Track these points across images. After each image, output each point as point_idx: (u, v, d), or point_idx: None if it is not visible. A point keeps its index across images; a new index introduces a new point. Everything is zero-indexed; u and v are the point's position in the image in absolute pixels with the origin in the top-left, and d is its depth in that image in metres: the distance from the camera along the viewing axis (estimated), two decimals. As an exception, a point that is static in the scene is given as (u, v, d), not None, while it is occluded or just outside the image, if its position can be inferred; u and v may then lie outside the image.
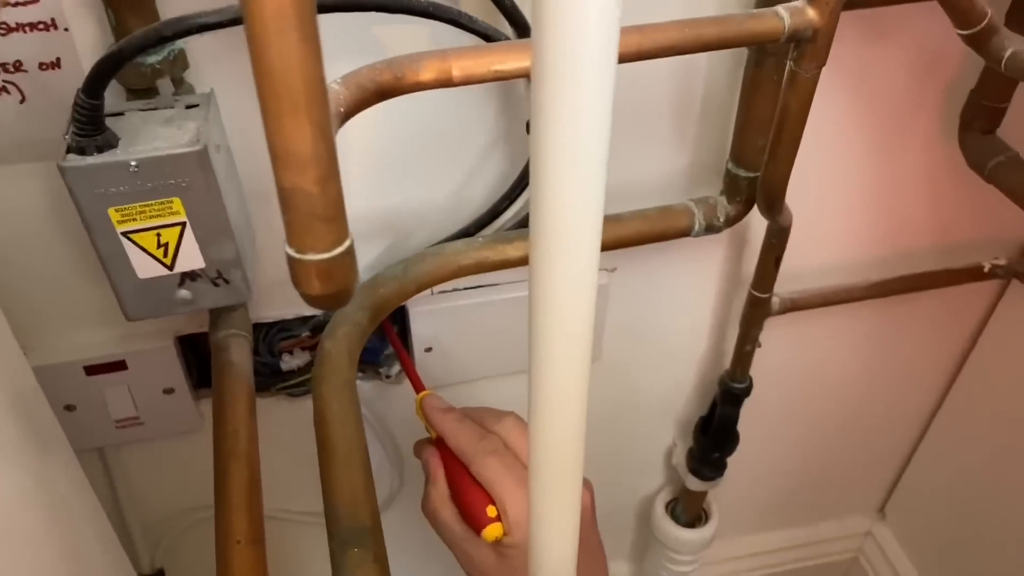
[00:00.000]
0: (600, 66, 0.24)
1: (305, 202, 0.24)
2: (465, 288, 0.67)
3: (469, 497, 0.52)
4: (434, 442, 0.57)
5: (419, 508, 0.58)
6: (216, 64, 0.51)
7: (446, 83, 0.41)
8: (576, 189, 0.28)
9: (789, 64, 0.48)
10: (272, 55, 0.22)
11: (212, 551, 0.78)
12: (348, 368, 0.50)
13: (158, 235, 0.46)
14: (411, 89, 0.40)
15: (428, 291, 0.66)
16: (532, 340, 0.33)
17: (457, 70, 0.40)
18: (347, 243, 0.26)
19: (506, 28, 0.50)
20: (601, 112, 0.25)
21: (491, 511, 0.51)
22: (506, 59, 0.41)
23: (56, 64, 0.48)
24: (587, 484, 0.54)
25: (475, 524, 0.52)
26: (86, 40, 0.48)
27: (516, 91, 0.57)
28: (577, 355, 0.33)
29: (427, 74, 0.40)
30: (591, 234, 0.29)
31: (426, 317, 0.67)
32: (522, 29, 0.49)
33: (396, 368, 0.70)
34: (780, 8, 0.46)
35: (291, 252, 0.26)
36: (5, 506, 0.37)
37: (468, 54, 0.41)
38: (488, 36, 0.47)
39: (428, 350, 0.69)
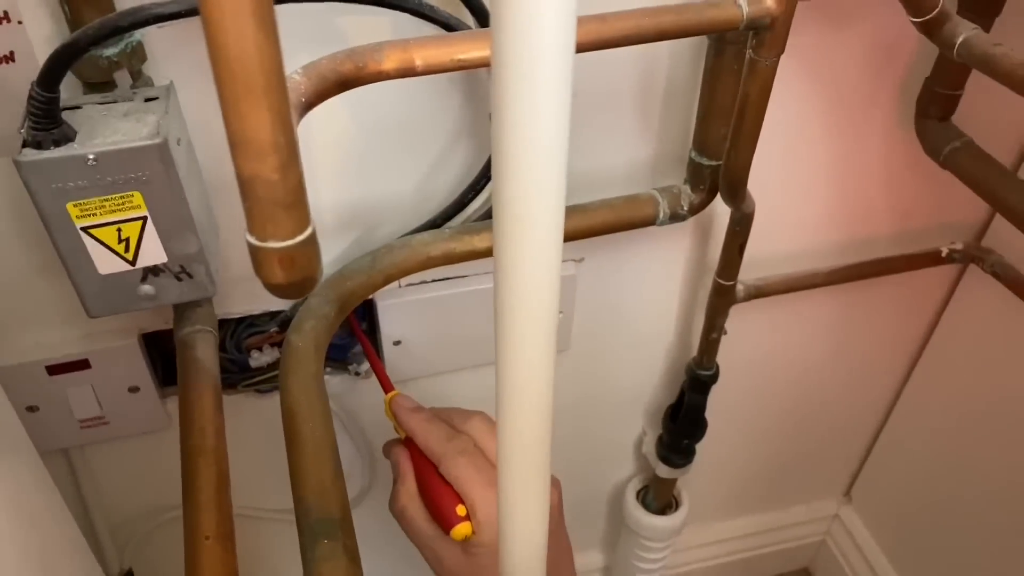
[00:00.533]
0: (558, 54, 0.24)
1: (265, 190, 0.24)
2: (433, 280, 0.67)
3: (438, 496, 0.52)
4: (403, 442, 0.57)
5: (385, 510, 0.58)
6: (175, 56, 0.50)
7: (408, 72, 0.40)
8: (537, 177, 0.28)
9: (748, 53, 0.48)
10: (229, 41, 0.22)
11: (181, 550, 0.77)
12: (315, 361, 0.50)
13: (119, 230, 0.45)
14: (373, 79, 0.40)
15: (396, 284, 0.66)
16: (498, 330, 0.33)
17: (419, 60, 0.40)
18: (309, 230, 0.26)
19: (468, 18, 0.50)
20: (560, 100, 0.25)
21: (460, 510, 0.51)
22: (468, 48, 0.41)
23: (10, 58, 0.47)
24: (555, 483, 0.55)
25: (444, 523, 0.52)
26: (40, 33, 0.47)
27: (480, 81, 0.57)
28: (542, 345, 0.34)
29: (389, 64, 0.40)
30: (553, 222, 0.29)
31: (394, 310, 0.67)
32: (483, 18, 0.49)
33: (365, 365, 0.70)
34: (739, -4, 0.47)
35: (252, 240, 0.26)
36: None
37: (430, 44, 0.41)
38: (450, 26, 0.47)
39: (397, 343, 0.69)
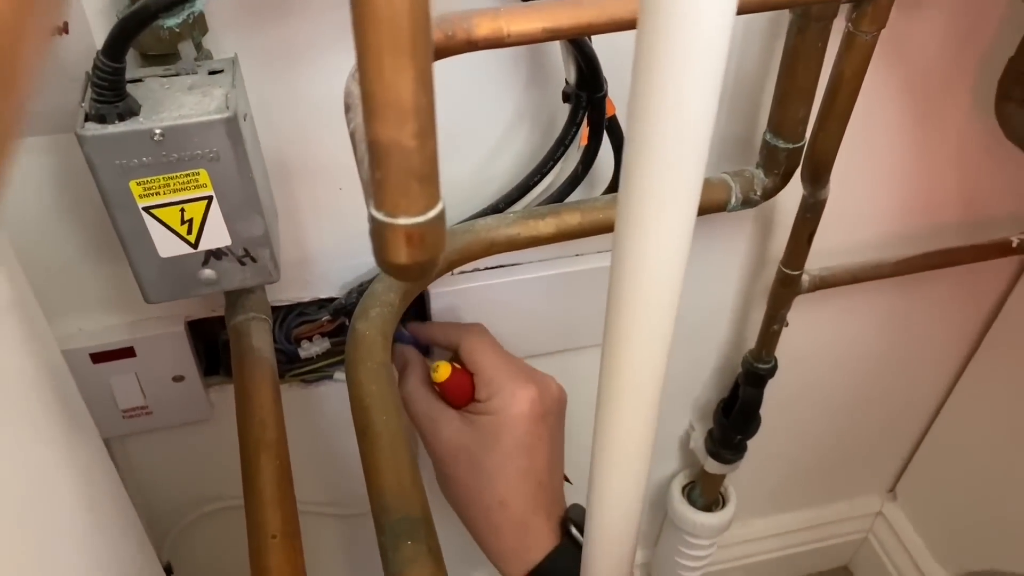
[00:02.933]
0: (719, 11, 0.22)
1: (402, 159, 0.22)
2: (486, 268, 0.65)
3: (455, 380, 0.55)
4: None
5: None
6: (234, 31, 0.48)
7: (498, 43, 0.38)
8: (678, 146, 0.25)
9: (847, 26, 0.46)
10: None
11: (222, 544, 0.75)
12: (383, 350, 0.48)
13: (182, 210, 0.42)
14: (462, 49, 0.38)
15: (449, 272, 0.63)
16: (611, 306, 0.30)
17: (510, 28, 0.38)
18: (440, 206, 0.24)
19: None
20: (716, 63, 0.23)
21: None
22: (560, 17, 0.38)
23: (63, 29, 0.45)
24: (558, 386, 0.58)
25: (459, 401, 0.56)
26: (94, 5, 0.45)
27: (547, 59, 0.54)
28: (663, 321, 0.31)
29: (480, 31, 0.37)
30: (692, 190, 0.26)
31: (446, 297, 0.64)
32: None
33: None
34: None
35: (379, 216, 0.23)
36: (38, 487, 0.34)
37: (521, 12, 0.38)
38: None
39: (449, 332, 0.66)
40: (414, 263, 0.24)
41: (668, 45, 0.22)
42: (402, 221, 0.23)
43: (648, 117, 0.23)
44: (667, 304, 0.30)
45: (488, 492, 0.52)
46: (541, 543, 0.51)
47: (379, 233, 0.24)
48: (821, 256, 0.70)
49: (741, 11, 0.40)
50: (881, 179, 0.69)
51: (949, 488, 1.00)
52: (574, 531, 0.51)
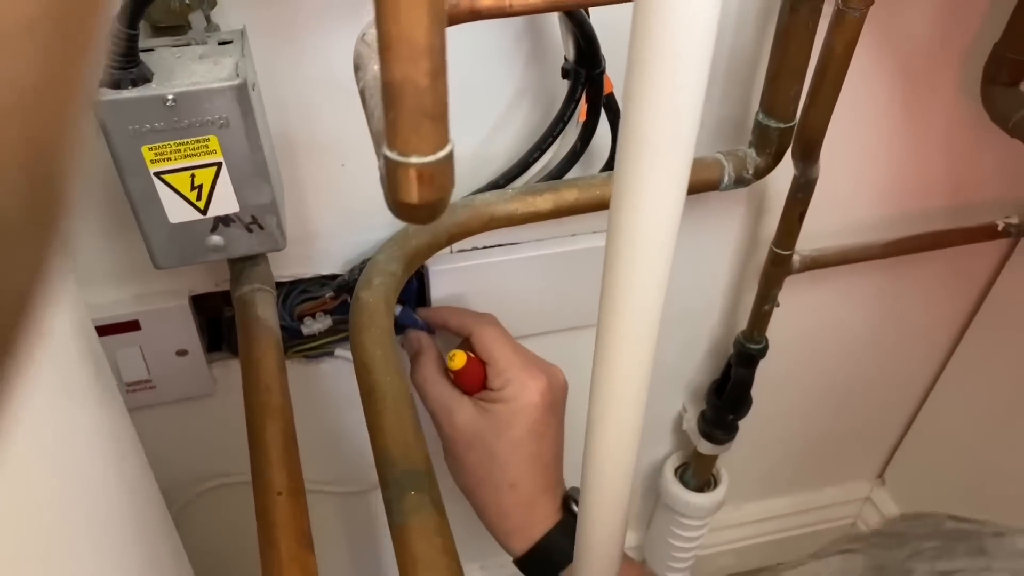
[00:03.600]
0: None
1: (415, 96, 0.23)
2: (484, 247, 0.66)
3: (470, 368, 0.57)
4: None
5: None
6: (240, 5, 0.49)
7: (502, 12, 0.39)
8: (676, 111, 0.27)
9: (837, 3, 0.47)
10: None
11: (225, 518, 0.76)
12: (386, 316, 0.49)
13: (192, 176, 0.44)
14: (465, 18, 0.39)
15: (447, 250, 0.65)
16: (607, 277, 0.32)
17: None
18: (450, 146, 0.25)
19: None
20: (705, 39, 0.25)
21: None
22: (562, -12, 0.40)
23: None
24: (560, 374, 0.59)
25: (472, 388, 0.57)
26: (107, -24, 0.46)
27: (547, 36, 0.56)
28: (653, 292, 0.33)
29: (484, 1, 0.38)
30: (682, 164, 0.28)
31: (445, 276, 0.66)
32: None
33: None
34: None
35: (392, 155, 0.24)
36: (69, 448, 0.35)
37: (523, -17, 0.40)
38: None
39: (449, 309, 0.67)
40: (424, 203, 0.25)
41: (660, 22, 0.24)
42: (414, 160, 0.24)
43: (642, 92, 0.25)
44: (659, 275, 0.31)
45: (500, 475, 0.55)
46: (544, 520, 0.54)
47: (391, 173, 0.25)
48: (812, 238, 0.72)
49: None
50: (871, 161, 0.71)
51: (937, 474, 1.02)
52: (574, 507, 0.54)
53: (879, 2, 0.59)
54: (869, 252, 0.73)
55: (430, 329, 0.63)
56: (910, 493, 1.06)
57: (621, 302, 0.32)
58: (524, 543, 0.54)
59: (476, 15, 0.39)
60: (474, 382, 0.57)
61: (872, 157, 0.71)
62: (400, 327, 0.62)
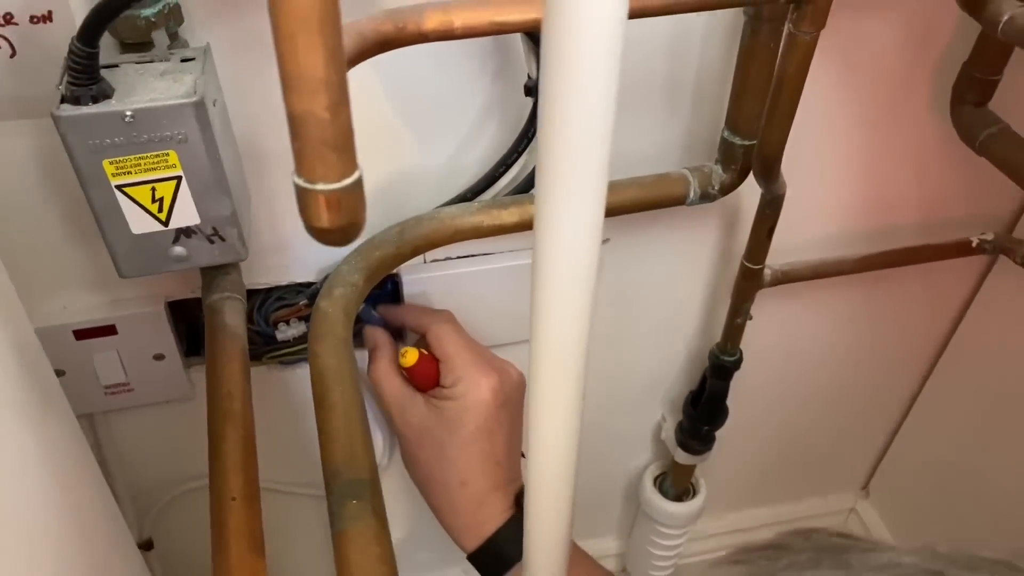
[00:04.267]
0: (610, 21, 0.24)
1: (316, 129, 0.24)
2: (458, 257, 0.67)
3: (422, 365, 0.58)
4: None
5: (407, 483, 0.60)
6: (211, 22, 0.50)
7: (448, 35, 0.40)
8: (583, 139, 0.28)
9: (788, 27, 0.48)
10: (286, -27, 0.21)
11: (202, 521, 0.78)
12: (344, 327, 0.50)
13: (153, 189, 0.45)
14: (413, 40, 0.40)
15: (421, 259, 0.66)
16: (535, 292, 0.33)
17: (459, 21, 0.40)
18: (356, 174, 0.26)
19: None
20: (609, 61, 0.26)
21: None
22: (506, 12, 0.41)
23: (47, 17, 0.48)
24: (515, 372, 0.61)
25: (424, 385, 0.59)
26: (78, -7, 0.47)
27: (512, 57, 0.57)
28: (580, 305, 0.34)
29: (430, 24, 0.39)
30: (597, 182, 0.29)
31: (419, 285, 0.67)
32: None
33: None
34: (780, -31, 0.46)
35: (300, 182, 0.26)
36: (6, 464, 0.36)
37: (469, 6, 0.41)
38: (488, -8, 0.47)
39: (421, 319, 0.69)
40: (335, 227, 0.27)
41: (567, 45, 0.25)
42: (320, 187, 0.25)
43: (552, 123, 0.26)
44: (583, 288, 0.32)
45: (450, 472, 0.56)
46: (495, 517, 0.55)
47: (301, 197, 0.26)
48: (784, 252, 0.72)
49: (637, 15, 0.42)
50: (842, 177, 0.72)
51: (921, 486, 1.02)
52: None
53: (845, 20, 0.60)
54: (842, 267, 0.74)
55: (391, 327, 0.65)
56: (894, 505, 1.07)
57: (547, 311, 0.33)
58: (474, 540, 0.55)
59: (423, 38, 0.40)
60: (427, 379, 0.58)
61: (842, 173, 0.71)
62: (361, 324, 0.64)
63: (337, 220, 0.26)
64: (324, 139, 0.24)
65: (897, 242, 0.75)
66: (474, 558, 0.55)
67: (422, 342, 0.61)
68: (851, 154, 0.70)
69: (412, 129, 0.58)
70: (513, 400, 0.59)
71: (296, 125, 0.24)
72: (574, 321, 0.33)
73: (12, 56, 0.48)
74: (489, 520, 0.55)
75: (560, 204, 0.29)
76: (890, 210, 0.75)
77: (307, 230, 0.28)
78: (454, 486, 0.56)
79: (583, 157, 0.28)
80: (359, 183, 0.26)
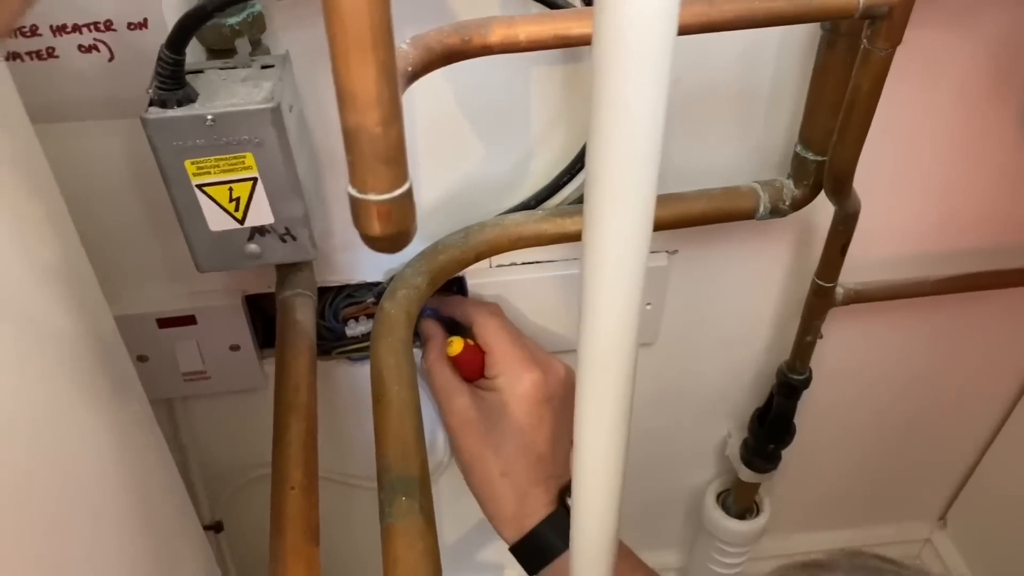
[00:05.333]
0: (658, 35, 0.24)
1: (368, 143, 0.25)
2: (523, 263, 0.68)
3: (468, 355, 0.60)
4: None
5: (462, 486, 0.61)
6: (292, 30, 0.52)
7: (512, 48, 0.41)
8: (630, 152, 0.28)
9: (863, 42, 0.47)
10: (343, -3, 0.23)
11: (268, 507, 0.81)
12: (405, 328, 0.52)
13: (230, 189, 0.47)
14: (478, 53, 0.41)
15: (487, 264, 0.67)
16: (583, 299, 0.33)
17: (523, 35, 0.41)
18: (406, 185, 0.27)
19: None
20: (657, 78, 0.26)
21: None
22: (570, 25, 0.42)
23: (143, 24, 0.51)
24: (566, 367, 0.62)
25: (470, 375, 0.60)
26: (172, 2, 0.50)
27: (579, 68, 0.57)
28: (627, 319, 0.34)
29: (494, 37, 0.40)
30: (645, 194, 0.29)
31: (484, 289, 0.68)
32: None
33: None
34: (856, -16, 0.45)
35: (353, 192, 0.27)
36: (78, 447, 0.39)
37: (534, 20, 0.41)
38: (554, 4, 0.47)
39: (485, 322, 0.70)
40: (385, 235, 0.28)
41: (616, 60, 0.25)
42: (372, 197, 0.27)
43: (599, 144, 0.26)
44: (630, 295, 0.32)
45: (492, 463, 0.57)
46: (538, 511, 0.56)
47: (354, 207, 0.27)
48: (858, 270, 0.70)
49: (690, 31, 0.42)
50: (923, 195, 0.69)
51: (1001, 520, 0.97)
52: (568, 500, 0.55)
53: (929, 36, 0.58)
54: (921, 288, 0.71)
55: (444, 318, 0.66)
56: (972, 537, 1.02)
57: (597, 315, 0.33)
58: (516, 533, 0.56)
59: (488, 50, 0.41)
60: (472, 369, 0.60)
61: (923, 191, 0.69)
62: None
63: (387, 229, 0.27)
64: (376, 152, 0.25)
65: (979, 264, 0.72)
66: (515, 550, 0.57)
67: (470, 333, 0.62)
68: (934, 171, 0.68)
69: (481, 136, 0.60)
70: (558, 396, 0.59)
71: (350, 139, 0.25)
72: (621, 327, 0.34)
73: (110, 60, 0.51)
74: (532, 514, 0.56)
75: (607, 216, 0.29)
76: (973, 231, 0.72)
77: (361, 236, 0.29)
78: (495, 476, 0.57)
79: (630, 171, 0.28)
80: (408, 194, 0.27)
